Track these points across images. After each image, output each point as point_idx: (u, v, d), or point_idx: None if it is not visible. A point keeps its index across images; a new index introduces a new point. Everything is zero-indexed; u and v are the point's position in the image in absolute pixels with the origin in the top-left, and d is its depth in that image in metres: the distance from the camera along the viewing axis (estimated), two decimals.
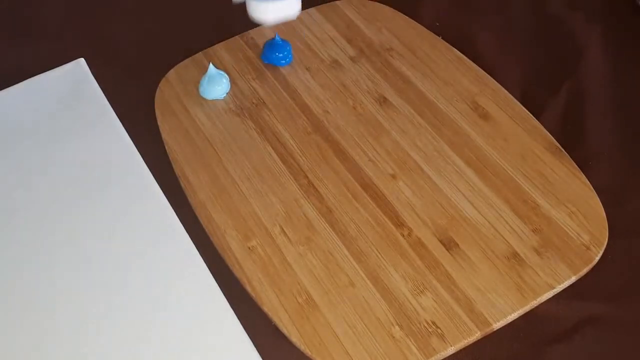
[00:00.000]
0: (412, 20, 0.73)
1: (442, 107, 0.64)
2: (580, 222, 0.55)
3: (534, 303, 0.52)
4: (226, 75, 0.66)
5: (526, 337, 0.52)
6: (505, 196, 0.57)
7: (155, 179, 0.60)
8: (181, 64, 0.70)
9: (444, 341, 0.50)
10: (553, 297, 0.52)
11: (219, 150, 0.62)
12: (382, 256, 0.54)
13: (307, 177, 0.60)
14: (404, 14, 0.73)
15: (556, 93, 0.67)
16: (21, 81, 0.68)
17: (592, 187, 0.58)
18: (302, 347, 0.50)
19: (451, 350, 0.50)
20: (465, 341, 0.50)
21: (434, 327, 0.50)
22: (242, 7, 0.77)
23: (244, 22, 0.73)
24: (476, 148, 0.61)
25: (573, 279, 0.53)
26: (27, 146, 0.63)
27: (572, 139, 0.62)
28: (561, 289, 0.52)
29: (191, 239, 0.56)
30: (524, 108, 0.64)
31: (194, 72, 0.69)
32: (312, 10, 0.74)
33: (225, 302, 0.53)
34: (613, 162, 0.62)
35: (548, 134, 0.62)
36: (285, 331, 0.51)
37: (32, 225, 0.58)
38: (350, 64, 0.69)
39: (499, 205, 0.57)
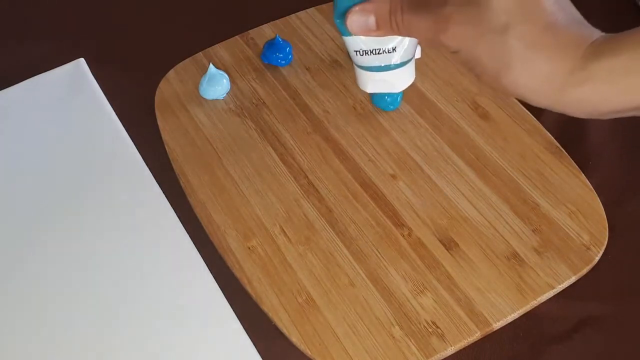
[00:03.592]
0: None
1: (442, 107, 0.64)
2: (580, 222, 0.55)
3: (534, 303, 0.52)
4: (226, 75, 0.66)
5: (526, 337, 0.52)
6: (505, 196, 0.57)
7: (155, 179, 0.60)
8: (181, 64, 0.70)
9: (444, 341, 0.50)
10: (553, 297, 0.52)
11: (219, 150, 0.62)
12: (382, 256, 0.54)
13: (307, 177, 0.60)
14: None
15: None
16: (21, 81, 0.68)
17: (592, 187, 0.58)
18: (302, 347, 0.50)
19: (451, 350, 0.50)
20: (465, 341, 0.50)
21: (434, 327, 0.50)
22: (242, 7, 0.77)
23: (244, 22, 0.74)
24: (476, 148, 0.61)
25: (573, 279, 0.53)
26: (27, 146, 0.63)
27: (572, 139, 0.62)
28: (561, 289, 0.52)
29: (191, 239, 0.56)
30: (524, 108, 0.64)
31: (194, 72, 0.68)
32: (312, 10, 0.74)
33: (225, 302, 0.53)
34: (613, 162, 0.62)
35: (548, 134, 0.62)
36: (285, 331, 0.51)
37: (31, 225, 0.58)
38: (350, 64, 0.68)
39: (499, 205, 0.57)
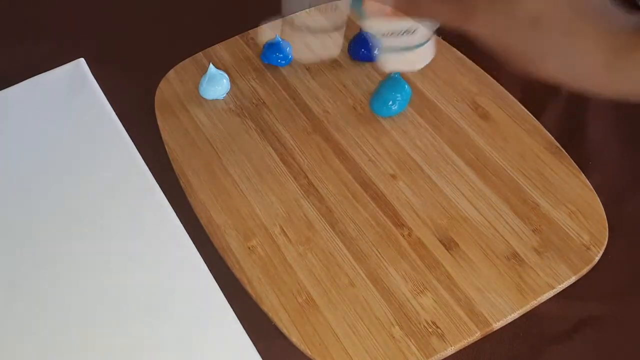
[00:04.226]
0: None
1: (442, 107, 0.64)
2: (580, 222, 0.55)
3: (534, 303, 0.52)
4: (226, 75, 0.66)
5: (526, 337, 0.52)
6: (505, 196, 0.57)
7: (155, 179, 0.60)
8: (181, 64, 0.70)
9: (444, 341, 0.50)
10: (553, 297, 0.52)
11: (219, 150, 0.62)
12: (382, 256, 0.54)
13: (307, 177, 0.60)
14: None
15: (556, 93, 0.67)
16: (21, 81, 0.68)
17: (592, 187, 0.58)
18: (302, 347, 0.50)
19: (451, 350, 0.50)
20: (465, 341, 0.50)
21: (434, 327, 0.50)
22: (242, 7, 0.77)
23: (244, 22, 0.74)
24: (476, 148, 0.61)
25: (573, 279, 0.53)
26: (27, 146, 0.63)
27: (572, 139, 0.62)
28: (561, 289, 0.52)
29: (191, 239, 0.56)
30: (524, 108, 0.64)
31: (194, 72, 0.69)
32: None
33: (225, 302, 0.53)
34: (613, 162, 0.62)
35: (548, 134, 0.62)
36: (285, 331, 0.51)
37: (30, 225, 0.58)
38: (350, 64, 0.69)
39: (499, 205, 0.57)
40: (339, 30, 0.47)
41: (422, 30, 0.44)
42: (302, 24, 0.46)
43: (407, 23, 0.43)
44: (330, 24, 0.46)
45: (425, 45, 0.46)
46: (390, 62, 0.48)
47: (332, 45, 0.48)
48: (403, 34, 0.44)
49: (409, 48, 0.46)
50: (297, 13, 0.45)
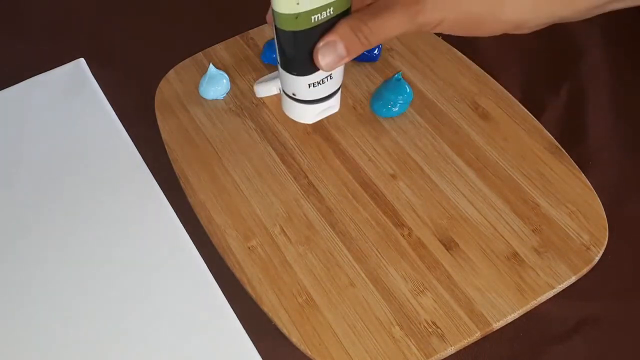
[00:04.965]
0: None
1: (442, 107, 0.64)
2: (580, 222, 0.55)
3: (534, 303, 0.52)
4: (226, 75, 0.66)
5: (526, 337, 0.52)
6: (505, 196, 0.57)
7: (155, 179, 0.60)
8: (181, 64, 0.70)
9: (444, 341, 0.50)
10: (553, 297, 0.52)
11: (219, 150, 0.62)
12: (382, 256, 0.54)
13: (307, 177, 0.60)
14: None
15: (556, 93, 0.67)
16: (21, 81, 0.68)
17: (592, 187, 0.58)
18: (302, 347, 0.50)
19: (451, 350, 0.50)
20: (465, 341, 0.50)
21: (434, 327, 0.50)
22: (242, 7, 0.77)
23: (243, 22, 0.74)
24: (476, 148, 0.61)
25: (573, 279, 0.53)
26: (27, 146, 0.63)
27: (572, 139, 0.62)
28: (561, 289, 0.52)
29: (191, 239, 0.56)
30: (524, 108, 0.64)
31: (194, 72, 0.69)
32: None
33: (225, 302, 0.53)
34: (613, 162, 0.62)
35: (548, 134, 0.62)
36: (285, 331, 0.51)
37: (30, 225, 0.58)
38: (350, 64, 0.69)
39: (499, 205, 0.57)
40: (339, 90, 0.46)
41: (340, 69, 0.43)
42: (303, 98, 0.44)
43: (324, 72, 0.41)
44: (330, 90, 0.45)
45: (339, 91, 0.45)
46: (316, 113, 0.45)
47: (335, 104, 0.46)
48: (327, 79, 0.42)
49: (331, 94, 0.44)
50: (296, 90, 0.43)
